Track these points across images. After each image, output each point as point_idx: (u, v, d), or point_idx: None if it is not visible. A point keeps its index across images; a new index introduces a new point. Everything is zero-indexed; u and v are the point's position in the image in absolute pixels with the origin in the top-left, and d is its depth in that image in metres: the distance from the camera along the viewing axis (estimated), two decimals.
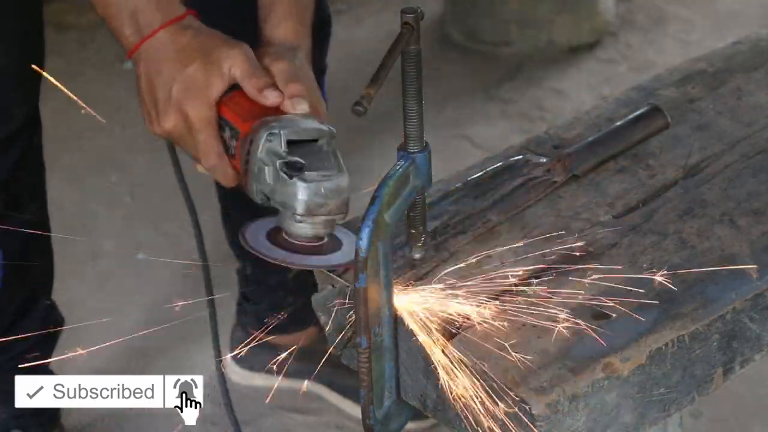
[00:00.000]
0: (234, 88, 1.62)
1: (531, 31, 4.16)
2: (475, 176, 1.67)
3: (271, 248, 1.51)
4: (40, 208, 2.38)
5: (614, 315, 1.43)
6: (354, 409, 2.73)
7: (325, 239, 1.52)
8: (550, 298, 1.46)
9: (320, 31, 2.23)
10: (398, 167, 1.44)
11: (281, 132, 1.52)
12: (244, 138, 1.56)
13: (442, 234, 1.58)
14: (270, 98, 1.60)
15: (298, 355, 2.82)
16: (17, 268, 2.34)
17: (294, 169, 1.50)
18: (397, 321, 1.45)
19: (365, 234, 1.37)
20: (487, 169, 1.69)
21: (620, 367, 1.37)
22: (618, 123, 1.74)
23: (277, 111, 1.59)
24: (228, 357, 2.91)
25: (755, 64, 1.94)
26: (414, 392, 1.48)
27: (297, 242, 1.52)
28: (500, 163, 1.70)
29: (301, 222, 1.50)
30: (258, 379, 2.86)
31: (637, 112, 1.74)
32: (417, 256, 1.53)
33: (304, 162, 1.50)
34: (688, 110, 1.83)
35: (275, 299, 2.71)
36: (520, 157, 1.71)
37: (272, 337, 2.80)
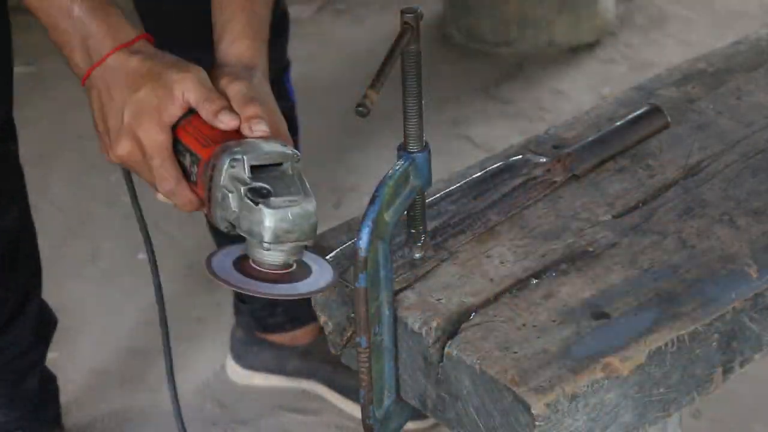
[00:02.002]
0: (191, 112, 1.57)
1: (531, 31, 4.17)
2: (475, 176, 1.67)
3: (238, 277, 1.47)
4: (21, 213, 2.36)
5: (614, 315, 1.43)
6: (354, 409, 2.73)
7: (294, 266, 1.48)
8: (550, 298, 1.46)
9: (278, 26, 2.18)
10: (398, 167, 1.44)
11: (243, 157, 1.47)
12: (206, 164, 1.52)
13: (442, 234, 1.58)
14: (225, 122, 1.55)
15: (297, 353, 2.83)
16: (4, 274, 2.33)
17: (259, 196, 1.45)
18: (396, 321, 1.46)
19: (365, 234, 1.37)
20: (487, 169, 1.69)
21: (620, 367, 1.37)
22: (618, 123, 1.74)
23: (237, 134, 1.55)
24: (228, 357, 2.91)
25: (755, 64, 1.94)
26: (414, 392, 1.48)
27: (265, 270, 1.47)
28: (500, 163, 1.70)
29: (268, 249, 1.46)
30: (258, 379, 2.86)
31: (637, 112, 1.74)
32: (417, 256, 1.53)
33: (269, 188, 1.46)
34: (688, 110, 1.83)
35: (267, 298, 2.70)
36: (520, 157, 1.71)
37: (270, 335, 2.81)
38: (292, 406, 2.79)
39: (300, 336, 2.80)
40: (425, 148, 1.47)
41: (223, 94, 1.58)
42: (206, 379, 2.93)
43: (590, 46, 4.21)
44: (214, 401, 2.87)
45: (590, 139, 1.72)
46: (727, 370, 1.46)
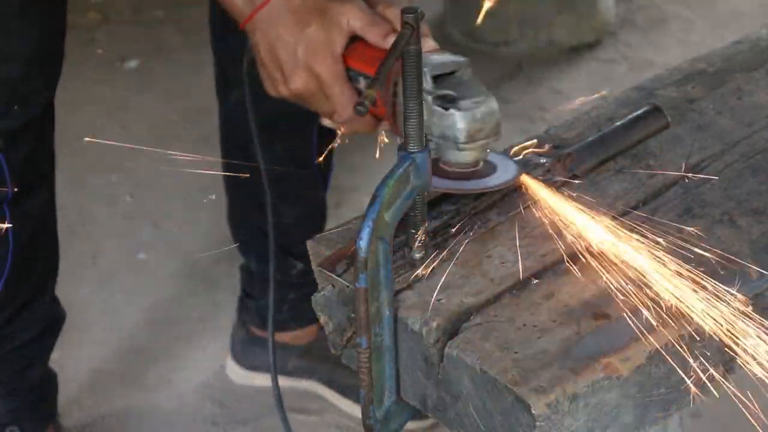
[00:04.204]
0: (353, 40, 1.68)
1: (531, 31, 4.17)
2: None
3: (434, 179, 1.56)
4: (49, 199, 2.40)
5: (614, 315, 1.43)
6: (354, 409, 2.73)
7: (480, 164, 1.59)
8: (551, 298, 1.46)
9: None
10: (398, 167, 1.44)
11: (425, 70, 1.56)
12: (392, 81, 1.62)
13: (442, 234, 1.58)
14: None
15: (298, 353, 2.83)
16: (25, 257, 2.35)
17: (447, 102, 1.56)
18: (397, 321, 1.46)
19: (365, 234, 1.37)
20: None
21: (620, 367, 1.37)
22: (618, 123, 1.74)
23: None
24: (228, 356, 2.91)
25: (755, 64, 1.94)
26: (414, 392, 1.48)
27: (458, 170, 1.58)
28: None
29: (462, 150, 1.56)
30: (258, 379, 2.86)
31: (637, 112, 1.74)
32: (417, 256, 1.53)
33: (454, 93, 1.56)
34: (688, 110, 1.83)
35: (278, 295, 2.71)
36: (520, 157, 1.71)
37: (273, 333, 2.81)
38: (292, 406, 2.78)
39: (301, 335, 2.81)
40: (425, 148, 1.47)
41: (383, 19, 1.69)
42: (206, 379, 2.93)
43: (590, 46, 4.21)
44: (214, 401, 2.87)
45: (590, 139, 1.72)
46: (728, 371, 1.46)
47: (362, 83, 1.67)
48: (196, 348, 3.01)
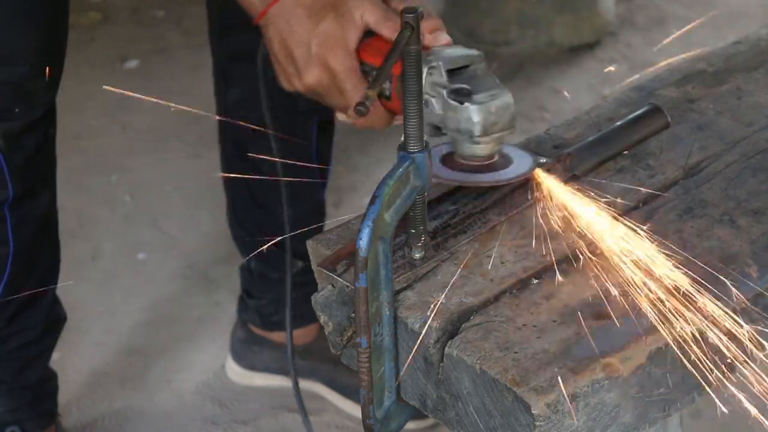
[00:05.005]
0: (366, 35, 1.69)
1: (531, 31, 4.17)
2: None
3: (447, 172, 1.60)
4: (50, 200, 2.40)
5: (614, 315, 1.43)
6: (354, 409, 2.73)
7: (496, 157, 1.61)
8: (551, 298, 1.46)
9: None
10: (398, 167, 1.44)
11: (440, 63, 1.59)
12: (400, 77, 1.60)
13: (442, 234, 1.58)
14: None
15: (297, 353, 2.83)
16: (25, 259, 2.35)
17: (462, 95, 1.58)
18: (396, 321, 1.46)
19: (365, 234, 1.37)
20: None
21: (620, 367, 1.37)
22: (618, 123, 1.74)
23: None
24: (228, 357, 2.91)
25: (755, 64, 1.94)
26: (414, 392, 1.48)
27: (473, 163, 1.60)
28: None
29: (477, 143, 1.58)
30: (258, 379, 2.86)
31: (637, 112, 1.74)
32: (417, 256, 1.53)
33: (469, 87, 1.58)
34: (688, 110, 1.83)
35: (277, 295, 2.71)
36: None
37: (272, 333, 2.81)
38: (292, 406, 2.79)
39: (301, 335, 2.81)
40: (425, 148, 1.47)
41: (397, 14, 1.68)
42: (206, 379, 2.93)
43: (590, 46, 4.21)
44: (214, 401, 2.87)
45: (590, 139, 1.72)
46: (728, 371, 1.46)
47: None
48: (196, 348, 3.01)
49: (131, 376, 2.93)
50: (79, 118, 3.84)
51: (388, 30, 1.67)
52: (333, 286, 1.54)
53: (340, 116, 1.76)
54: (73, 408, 2.82)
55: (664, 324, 1.41)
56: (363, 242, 1.37)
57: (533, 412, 1.32)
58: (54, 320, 2.52)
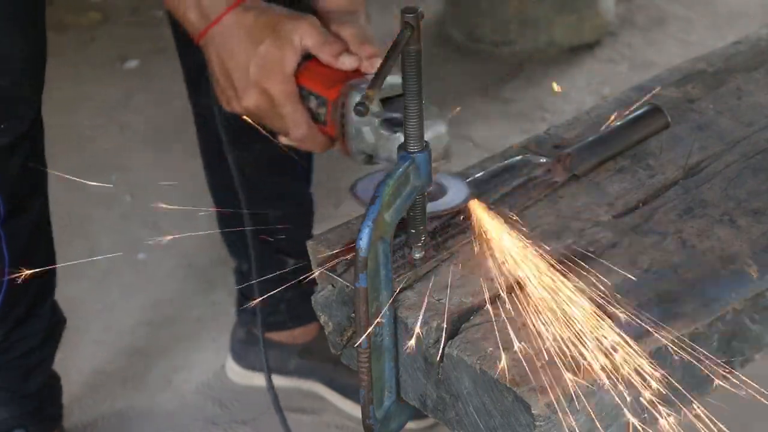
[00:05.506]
0: (305, 58, 1.67)
1: (531, 31, 4.17)
2: (475, 176, 1.67)
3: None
4: (43, 205, 2.39)
5: (615, 315, 1.43)
6: (354, 409, 2.73)
7: (431, 186, 1.57)
8: (550, 297, 1.46)
9: None
10: (398, 167, 1.44)
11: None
12: (335, 103, 1.60)
13: (442, 234, 1.58)
14: (347, 62, 1.66)
15: (298, 352, 2.83)
16: (22, 264, 2.34)
17: (394, 125, 1.56)
18: (396, 321, 1.46)
19: (365, 234, 1.37)
20: (487, 169, 1.69)
21: (620, 367, 1.37)
22: (618, 123, 1.74)
23: (354, 73, 1.65)
24: (228, 357, 2.91)
25: (755, 64, 1.94)
26: (414, 392, 1.48)
27: None
28: (500, 163, 1.70)
29: None
30: (258, 379, 2.86)
31: (637, 112, 1.74)
32: (417, 256, 1.53)
33: (401, 117, 1.54)
34: (688, 110, 1.83)
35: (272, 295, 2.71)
36: (521, 157, 1.71)
37: (272, 333, 2.81)
38: (292, 406, 2.78)
39: (300, 334, 2.80)
40: (425, 148, 1.47)
41: (337, 38, 1.69)
42: (206, 379, 2.93)
43: (590, 46, 4.21)
44: (214, 401, 2.87)
45: (590, 139, 1.72)
46: (728, 370, 1.46)
47: (314, 103, 1.65)
48: (196, 348, 3.01)
49: (131, 376, 2.93)
50: (79, 118, 3.84)
51: (327, 54, 1.65)
52: (333, 286, 1.54)
53: (282, 139, 1.73)
54: (73, 408, 2.82)
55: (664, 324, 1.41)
56: (363, 242, 1.37)
57: (533, 412, 1.32)
58: (54, 326, 2.51)
